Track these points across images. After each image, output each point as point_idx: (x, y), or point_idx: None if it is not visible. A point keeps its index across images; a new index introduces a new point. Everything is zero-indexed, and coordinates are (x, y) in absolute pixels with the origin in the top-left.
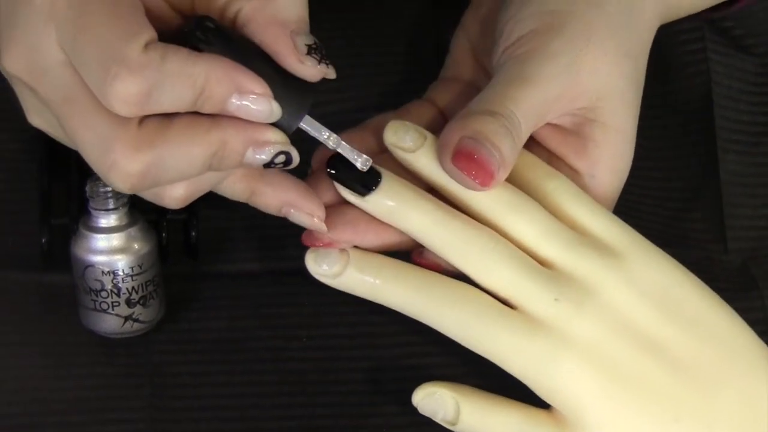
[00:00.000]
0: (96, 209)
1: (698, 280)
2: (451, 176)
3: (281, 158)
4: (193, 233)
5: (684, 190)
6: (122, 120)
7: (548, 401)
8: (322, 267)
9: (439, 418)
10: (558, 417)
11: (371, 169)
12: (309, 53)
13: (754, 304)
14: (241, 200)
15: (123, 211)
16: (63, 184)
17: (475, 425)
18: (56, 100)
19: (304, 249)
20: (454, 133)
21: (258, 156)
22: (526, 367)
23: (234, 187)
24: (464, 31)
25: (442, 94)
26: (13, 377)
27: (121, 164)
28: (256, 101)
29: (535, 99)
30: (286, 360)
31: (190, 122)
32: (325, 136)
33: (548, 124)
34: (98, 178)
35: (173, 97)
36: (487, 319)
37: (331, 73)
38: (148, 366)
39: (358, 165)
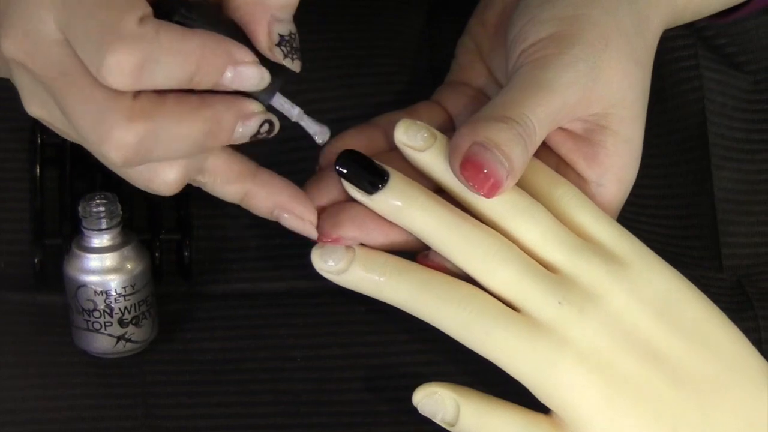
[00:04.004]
0: (89, 229)
1: (699, 291)
2: (461, 182)
3: (266, 127)
4: (187, 253)
5: (679, 207)
6: (117, 93)
7: (548, 404)
8: (327, 263)
9: (438, 419)
10: (557, 421)
11: (379, 167)
12: (279, 44)
13: (749, 325)
14: (234, 202)
15: (116, 231)
16: (56, 203)
17: (475, 427)
18: (52, 75)
19: (298, 269)
20: (465, 138)
21: (245, 129)
22: (526, 369)
23: (227, 189)
24: (470, 35)
25: (449, 96)
26: (6, 397)
27: (116, 135)
28: (248, 70)
29: (554, 105)
30: (280, 380)
31: (181, 97)
32: (291, 109)
33: (560, 129)
34: (91, 198)
35: (167, 72)
36: (489, 319)
37: (295, 67)
38: (141, 386)
39: (317, 139)
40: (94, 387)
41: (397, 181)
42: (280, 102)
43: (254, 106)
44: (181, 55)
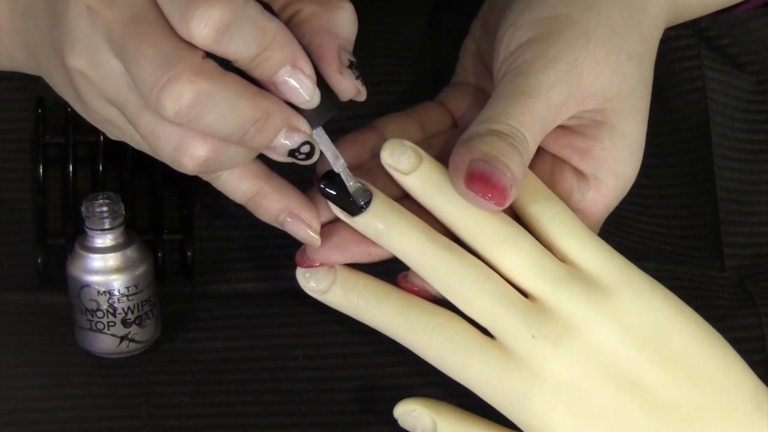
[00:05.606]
0: (92, 229)
1: (694, 315)
2: (466, 199)
3: (306, 148)
4: (189, 253)
5: (680, 207)
6: (189, 45)
7: (524, 431)
8: (310, 283)
9: None
10: None
11: (363, 188)
12: (349, 67)
13: (752, 322)
14: (242, 201)
15: (119, 231)
16: (58, 204)
17: None
18: (122, 19)
19: None
20: (462, 157)
21: (287, 141)
22: (499, 398)
23: (240, 185)
24: (472, 38)
25: (452, 97)
26: (10, 398)
27: (178, 83)
28: (302, 81)
29: (538, 111)
30: (282, 379)
31: (242, 79)
32: (334, 157)
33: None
34: (94, 198)
35: (243, 41)
36: (462, 348)
37: (362, 93)
38: (145, 386)
39: (352, 192)
40: (97, 387)
41: (379, 203)
42: (326, 145)
43: (302, 123)
44: (260, 31)
